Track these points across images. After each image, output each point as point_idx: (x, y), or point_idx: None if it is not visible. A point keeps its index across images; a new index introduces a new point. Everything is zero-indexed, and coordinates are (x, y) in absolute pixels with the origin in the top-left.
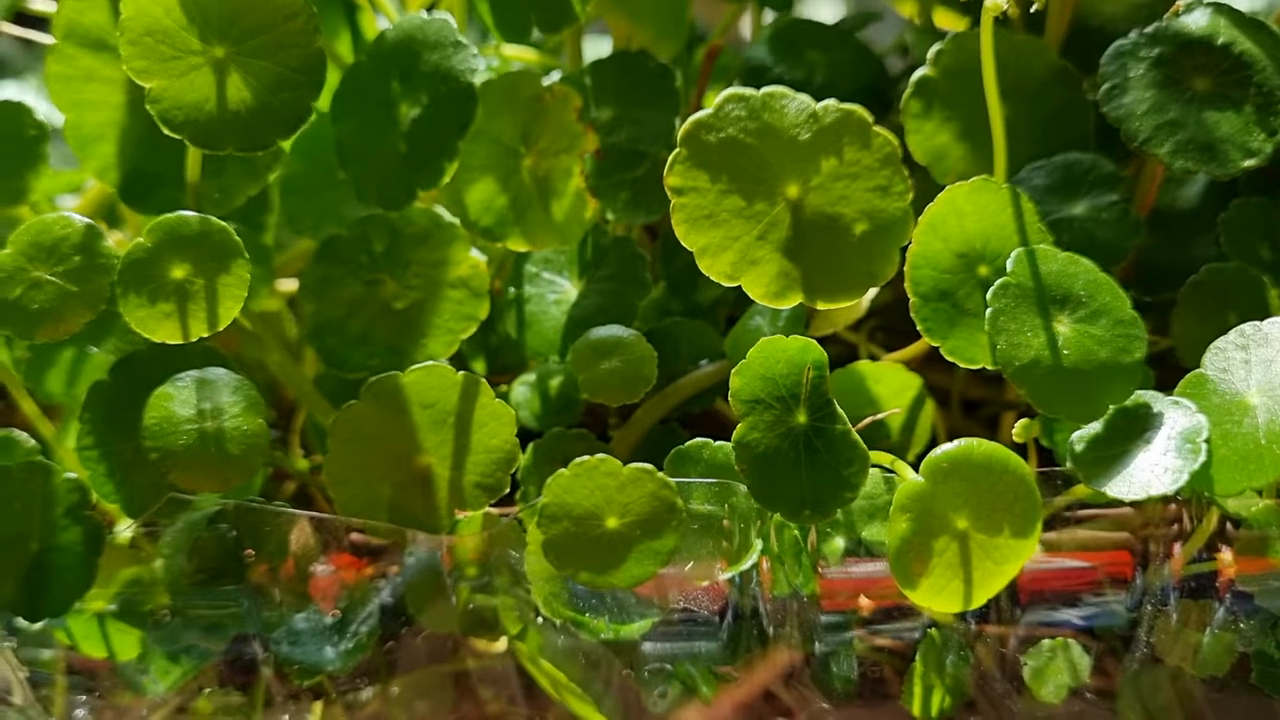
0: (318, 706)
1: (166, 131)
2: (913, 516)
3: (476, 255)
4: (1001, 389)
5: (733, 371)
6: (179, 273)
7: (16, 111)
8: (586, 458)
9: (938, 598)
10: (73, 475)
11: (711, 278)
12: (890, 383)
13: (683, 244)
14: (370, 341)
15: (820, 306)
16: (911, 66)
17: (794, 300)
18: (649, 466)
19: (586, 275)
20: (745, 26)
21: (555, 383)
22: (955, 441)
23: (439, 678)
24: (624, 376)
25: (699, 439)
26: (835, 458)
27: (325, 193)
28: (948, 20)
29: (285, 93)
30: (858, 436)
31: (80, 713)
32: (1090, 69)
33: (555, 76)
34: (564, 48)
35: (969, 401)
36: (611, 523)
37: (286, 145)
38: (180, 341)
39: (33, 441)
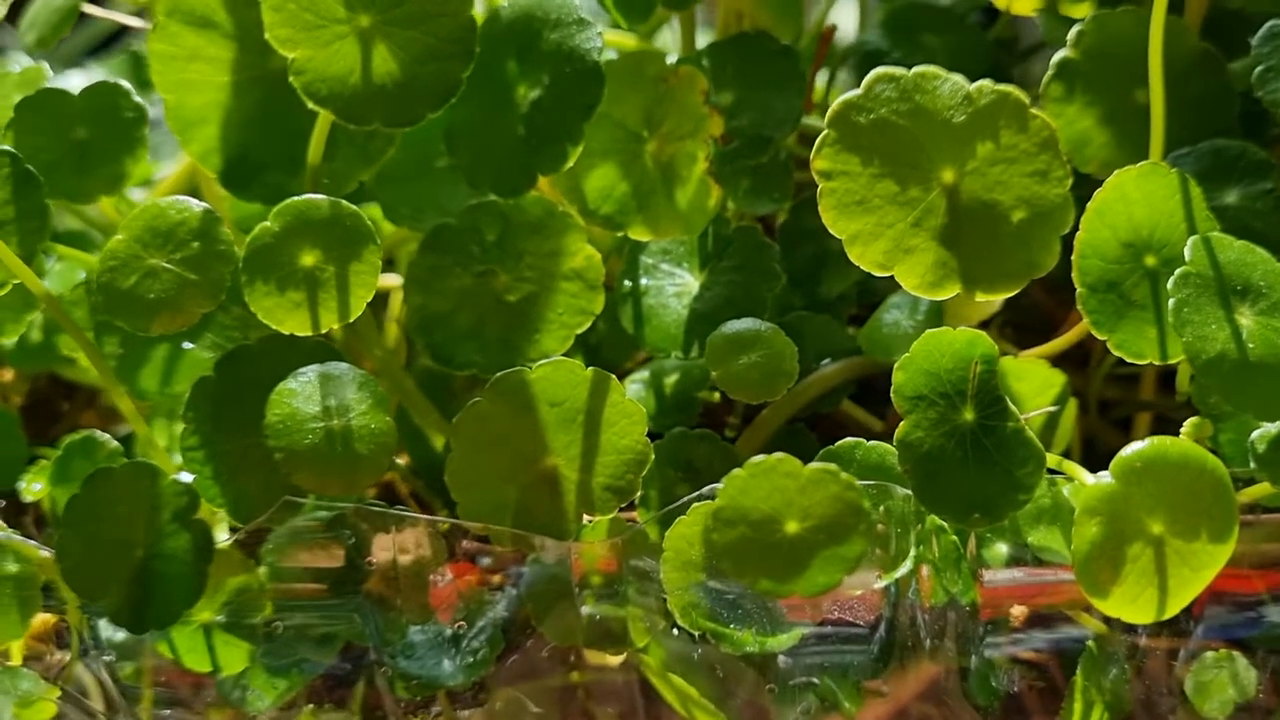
0: None
1: (311, 105)
2: (1103, 520)
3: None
4: (1135, 389)
5: (895, 366)
6: (309, 259)
7: (113, 92)
8: (763, 456)
9: (1130, 607)
10: (181, 478)
11: (862, 266)
12: (1032, 380)
13: (830, 231)
14: (480, 336)
15: (980, 298)
16: (1023, 51)
17: (951, 291)
18: (832, 466)
19: (709, 266)
20: None
21: (671, 380)
22: (1146, 440)
23: (545, 692)
24: (764, 371)
25: (850, 438)
26: (1007, 457)
27: (422, 181)
28: (1074, 9)
29: (434, 64)
30: (1033, 435)
31: None
32: (1229, 52)
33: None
34: (658, 33)
35: (1101, 402)
36: (792, 527)
37: None
38: (309, 333)
39: (115, 443)
